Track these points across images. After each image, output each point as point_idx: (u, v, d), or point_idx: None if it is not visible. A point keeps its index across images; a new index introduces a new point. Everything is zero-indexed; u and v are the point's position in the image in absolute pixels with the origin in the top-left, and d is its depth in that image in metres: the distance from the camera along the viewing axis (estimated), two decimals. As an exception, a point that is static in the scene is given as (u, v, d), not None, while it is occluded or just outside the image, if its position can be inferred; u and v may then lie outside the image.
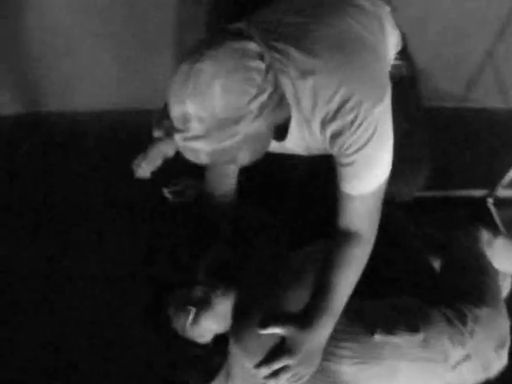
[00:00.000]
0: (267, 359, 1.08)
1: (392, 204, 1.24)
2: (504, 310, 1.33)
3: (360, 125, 1.04)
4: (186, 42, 1.96)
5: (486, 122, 2.34)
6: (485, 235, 1.55)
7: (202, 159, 0.98)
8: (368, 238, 1.17)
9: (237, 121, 0.94)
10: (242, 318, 1.20)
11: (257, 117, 0.96)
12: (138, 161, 1.44)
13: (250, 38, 0.98)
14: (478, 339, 1.22)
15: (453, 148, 2.13)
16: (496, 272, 1.42)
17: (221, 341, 1.23)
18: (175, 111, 0.94)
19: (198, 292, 1.22)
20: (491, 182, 1.99)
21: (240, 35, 0.98)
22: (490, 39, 2.13)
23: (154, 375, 1.38)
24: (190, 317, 1.19)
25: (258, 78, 0.94)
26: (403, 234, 1.52)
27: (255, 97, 0.94)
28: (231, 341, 1.17)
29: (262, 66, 0.96)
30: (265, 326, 1.07)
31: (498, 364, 1.28)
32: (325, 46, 1.04)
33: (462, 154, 2.14)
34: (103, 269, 1.69)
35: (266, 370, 1.07)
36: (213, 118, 0.92)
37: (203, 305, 1.20)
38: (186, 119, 0.93)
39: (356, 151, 1.07)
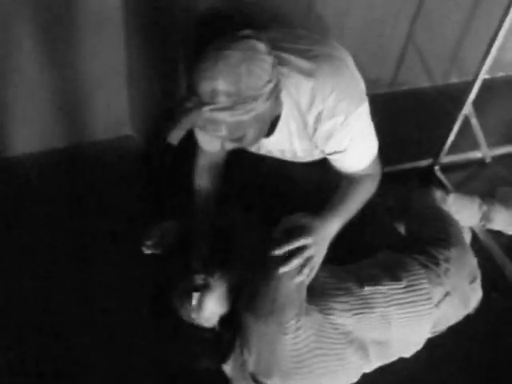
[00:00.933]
0: (285, 240, 1.23)
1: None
2: (469, 249, 1.47)
3: (347, 124, 1.28)
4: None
5: (417, 101, 2.51)
6: (438, 193, 1.68)
7: (221, 131, 1.15)
8: (374, 173, 1.42)
9: (255, 98, 1.13)
10: (246, 291, 1.28)
11: (267, 99, 1.16)
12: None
13: (259, 39, 1.17)
14: (452, 277, 1.34)
15: (395, 128, 2.28)
16: (455, 219, 1.55)
17: (226, 323, 1.30)
18: (205, 87, 1.10)
19: (198, 280, 1.29)
20: (434, 152, 2.15)
21: (248, 37, 1.17)
22: (408, 24, 2.28)
23: (169, 364, 1.43)
24: (194, 302, 1.26)
25: (269, 69, 1.15)
26: (373, 208, 1.65)
27: (268, 82, 1.14)
28: (244, 314, 1.25)
29: (271, 60, 1.16)
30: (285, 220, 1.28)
31: (475, 297, 1.41)
32: (320, 59, 1.27)
33: (403, 132, 2.30)
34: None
35: (286, 248, 1.21)
36: (238, 93, 1.10)
37: (204, 290, 1.27)
38: (215, 94, 1.10)
39: (345, 147, 1.31)
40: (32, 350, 1.51)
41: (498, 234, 1.92)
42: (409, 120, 2.38)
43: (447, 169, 2.19)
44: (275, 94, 1.19)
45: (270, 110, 1.20)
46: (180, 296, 1.29)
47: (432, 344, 1.42)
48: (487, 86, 2.17)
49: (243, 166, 1.64)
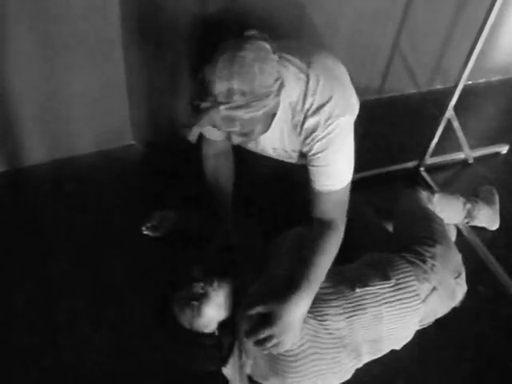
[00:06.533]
0: (252, 330, 1.20)
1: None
2: (454, 246, 1.46)
3: (330, 124, 1.25)
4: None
5: (403, 106, 2.52)
6: (423, 193, 1.67)
7: (235, 127, 1.16)
8: (339, 223, 1.33)
9: (267, 95, 1.14)
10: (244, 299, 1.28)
11: (276, 96, 1.17)
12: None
13: (264, 39, 1.18)
14: (438, 272, 1.34)
15: (382, 132, 2.30)
16: (440, 218, 1.54)
17: (225, 327, 1.28)
18: (221, 87, 1.10)
19: (197, 288, 1.27)
20: (420, 154, 2.15)
21: (257, 38, 1.18)
22: (394, 34, 2.29)
23: (171, 367, 1.42)
24: (195, 310, 1.24)
25: (276, 67, 1.17)
26: (361, 212, 1.65)
27: (276, 79, 1.17)
28: (241, 320, 1.25)
29: (276, 58, 1.18)
30: (250, 307, 1.22)
31: (460, 291, 1.40)
32: (315, 60, 1.28)
33: (390, 136, 2.30)
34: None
35: (253, 339, 1.19)
36: (252, 91, 1.11)
37: (203, 298, 1.25)
38: (231, 93, 1.10)
39: (324, 148, 1.27)
40: (35, 348, 1.50)
41: (481, 231, 1.92)
42: (395, 124, 2.39)
43: (432, 170, 2.19)
44: (281, 91, 1.20)
45: (276, 105, 1.21)
46: (179, 304, 1.26)
47: (421, 336, 1.41)
48: (469, 91, 2.19)
49: (243, 166, 1.64)
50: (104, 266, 1.70)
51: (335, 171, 1.31)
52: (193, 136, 1.14)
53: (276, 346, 1.20)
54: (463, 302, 1.44)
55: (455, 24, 2.39)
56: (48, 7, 1.63)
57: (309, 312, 1.25)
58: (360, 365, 1.35)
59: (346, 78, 1.35)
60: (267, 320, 1.20)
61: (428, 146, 2.12)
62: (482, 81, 2.74)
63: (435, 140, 2.10)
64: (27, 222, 1.83)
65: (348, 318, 1.27)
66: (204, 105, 1.12)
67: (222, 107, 1.11)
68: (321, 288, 1.28)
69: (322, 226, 1.32)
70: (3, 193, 1.92)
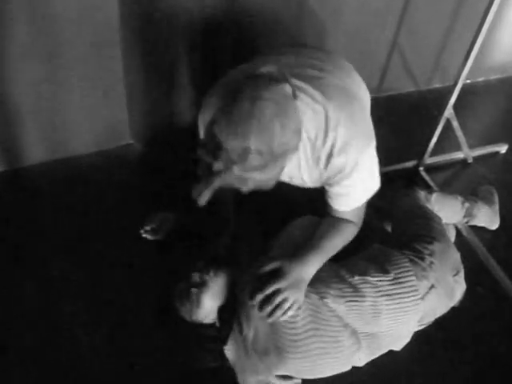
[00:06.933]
0: (261, 287, 1.20)
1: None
2: (452, 244, 1.46)
3: (358, 161, 1.18)
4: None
5: (402, 105, 2.51)
6: (422, 193, 1.67)
7: (248, 186, 1.04)
8: (357, 222, 1.35)
9: (285, 154, 1.02)
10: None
11: (294, 150, 1.06)
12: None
13: (284, 80, 1.06)
14: (437, 270, 1.33)
15: (381, 132, 2.28)
16: (439, 217, 1.54)
17: (225, 319, 1.30)
18: (235, 145, 0.96)
19: (195, 278, 1.29)
20: (419, 154, 2.14)
21: (276, 79, 1.05)
22: (393, 33, 2.29)
23: (172, 363, 1.42)
24: (194, 299, 1.26)
25: (297, 114, 1.04)
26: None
27: (297, 131, 1.05)
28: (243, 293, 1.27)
29: (297, 104, 1.06)
30: (262, 265, 1.24)
31: (459, 290, 1.40)
32: (332, 90, 1.18)
33: (389, 135, 2.28)
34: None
35: (260, 296, 1.20)
36: (270, 151, 0.98)
37: (201, 287, 1.28)
38: (246, 152, 0.96)
39: (351, 181, 1.21)
40: (35, 348, 1.49)
41: (480, 230, 1.92)
42: (394, 124, 2.37)
43: (431, 169, 2.18)
44: (300, 142, 1.09)
45: (293, 155, 1.10)
46: (179, 296, 1.29)
47: (421, 337, 1.41)
48: (468, 90, 2.18)
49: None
50: (104, 265, 1.70)
51: (359, 195, 1.28)
52: (203, 200, 1.04)
53: (281, 305, 1.20)
54: (462, 303, 1.44)
55: (454, 22, 2.38)
56: (46, 7, 1.63)
57: (309, 287, 1.27)
58: (360, 363, 1.35)
59: (365, 98, 1.29)
60: (275, 274, 1.22)
61: (427, 146, 2.12)
62: (481, 80, 2.73)
63: (434, 139, 2.09)
64: (26, 221, 1.82)
65: (347, 301, 1.28)
66: (216, 166, 0.98)
67: (235, 169, 0.98)
68: (322, 271, 1.30)
69: (339, 219, 1.33)
70: (2, 193, 1.91)
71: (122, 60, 1.87)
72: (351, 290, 1.28)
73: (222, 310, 1.28)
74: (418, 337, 1.40)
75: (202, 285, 1.28)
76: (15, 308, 1.57)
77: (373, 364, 1.38)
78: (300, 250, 1.29)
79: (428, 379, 1.52)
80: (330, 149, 1.16)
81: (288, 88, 1.05)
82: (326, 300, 1.26)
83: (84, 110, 1.95)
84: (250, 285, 1.25)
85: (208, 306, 1.28)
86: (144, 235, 1.66)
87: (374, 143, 1.25)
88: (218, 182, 1.00)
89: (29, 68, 1.74)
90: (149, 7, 1.75)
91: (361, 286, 1.29)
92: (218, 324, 1.28)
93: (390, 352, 1.38)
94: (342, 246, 1.33)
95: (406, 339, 1.39)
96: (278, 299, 1.20)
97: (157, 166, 2.06)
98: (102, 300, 1.61)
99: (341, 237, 1.33)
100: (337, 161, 1.17)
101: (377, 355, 1.37)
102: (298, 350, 1.23)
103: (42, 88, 1.81)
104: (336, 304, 1.27)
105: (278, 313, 1.20)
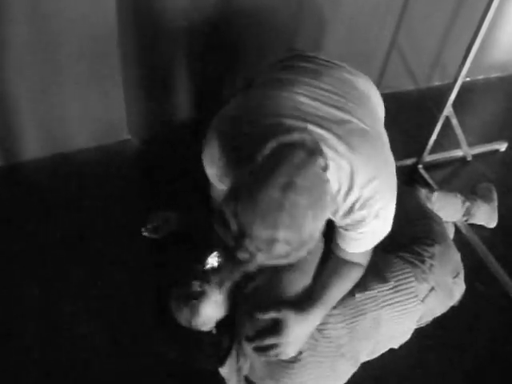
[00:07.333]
0: (257, 336, 1.16)
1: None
2: (453, 245, 1.45)
3: (378, 216, 1.07)
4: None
5: (402, 103, 2.48)
6: (423, 191, 1.66)
7: (269, 266, 0.95)
8: (363, 264, 1.25)
9: (312, 239, 0.92)
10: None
11: (321, 235, 1.00)
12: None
13: (318, 152, 0.95)
14: (437, 272, 1.32)
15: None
16: (439, 217, 1.53)
17: (224, 327, 1.28)
18: (263, 234, 0.86)
19: (195, 287, 1.26)
20: (418, 151, 2.14)
21: (309, 150, 0.93)
22: (392, 31, 2.27)
23: (169, 364, 1.41)
24: (193, 308, 1.24)
25: (329, 199, 0.94)
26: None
27: (327, 216, 0.96)
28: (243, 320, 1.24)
29: (329, 178, 0.95)
30: (262, 310, 1.17)
31: (458, 291, 1.39)
32: (356, 139, 1.05)
33: (388, 133, 2.27)
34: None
35: (256, 344, 1.16)
36: (299, 240, 0.89)
37: (202, 297, 1.25)
38: (273, 242, 0.87)
39: (367, 231, 1.12)
40: (35, 348, 1.49)
41: (479, 227, 1.92)
42: (393, 121, 2.33)
43: (430, 167, 2.17)
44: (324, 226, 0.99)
45: None
46: (177, 302, 1.26)
47: (420, 335, 1.41)
48: (468, 88, 2.18)
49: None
50: (103, 263, 1.69)
51: (372, 240, 1.18)
52: (227, 285, 1.02)
53: (277, 355, 1.17)
54: (461, 301, 1.43)
55: (454, 20, 2.37)
56: (45, 5, 1.62)
57: None
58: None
59: (386, 144, 1.17)
60: (275, 327, 1.16)
61: (426, 144, 2.11)
62: (480, 78, 2.72)
63: (433, 137, 2.09)
64: (23, 217, 1.81)
65: (348, 324, 1.25)
66: (241, 255, 0.89)
67: (259, 257, 0.89)
68: None
69: (345, 261, 1.23)
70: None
71: (120, 56, 1.86)
72: (352, 311, 1.25)
73: (220, 322, 1.27)
74: (417, 335, 1.40)
75: (201, 294, 1.25)
76: (14, 308, 1.57)
77: (371, 363, 1.37)
78: (305, 299, 1.20)
79: (427, 378, 1.52)
80: (351, 204, 1.06)
81: (321, 162, 0.94)
82: (324, 332, 1.23)
83: (82, 105, 1.94)
84: (248, 326, 1.21)
85: (206, 316, 1.25)
86: (145, 234, 1.65)
87: (395, 194, 1.13)
88: (240, 271, 0.96)
89: (26, 64, 1.73)
90: (147, 5, 1.73)
91: (361, 303, 1.26)
92: (214, 332, 1.27)
93: (389, 351, 1.38)
94: (348, 289, 1.25)
95: (405, 338, 1.38)
96: (273, 353, 1.16)
97: (154, 161, 2.06)
98: (102, 299, 1.60)
99: (350, 282, 1.24)
100: (357, 214, 1.07)
101: (376, 355, 1.36)
102: (294, 380, 1.22)
103: (39, 84, 1.80)
104: (335, 331, 1.24)
105: (272, 358, 1.18)
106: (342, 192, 1.04)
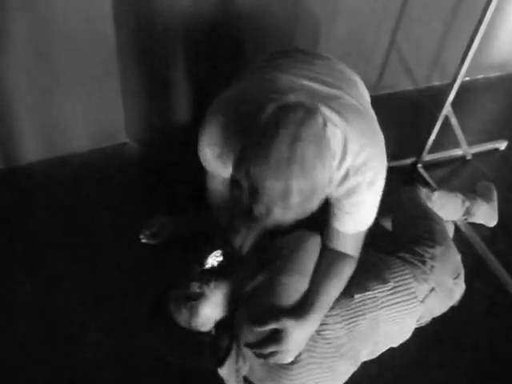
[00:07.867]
0: (257, 344, 1.17)
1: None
2: (453, 246, 1.43)
3: (372, 183, 1.14)
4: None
5: (401, 103, 2.50)
6: (423, 190, 1.65)
7: (286, 221, 0.99)
8: (355, 255, 1.29)
9: (324, 188, 0.99)
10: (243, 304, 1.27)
11: (331, 181, 1.05)
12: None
13: (317, 110, 1.00)
14: (437, 273, 1.32)
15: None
16: (440, 217, 1.52)
17: (223, 327, 1.28)
18: (276, 186, 0.92)
19: (194, 288, 1.26)
20: (417, 151, 2.14)
21: (308, 110, 0.99)
22: (391, 31, 2.28)
23: (171, 369, 1.41)
24: (192, 309, 1.23)
25: (331, 147, 1.01)
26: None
27: (331, 166, 1.03)
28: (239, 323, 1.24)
29: (328, 134, 1.00)
30: (261, 322, 1.16)
31: (458, 291, 1.38)
32: (350, 112, 1.14)
33: (388, 132, 2.27)
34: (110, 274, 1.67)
35: (255, 350, 1.17)
36: (310, 189, 0.95)
37: (200, 298, 1.25)
38: (287, 193, 0.93)
39: (360, 199, 1.17)
40: (33, 348, 1.48)
41: (479, 226, 1.91)
42: (393, 121, 2.34)
43: (430, 166, 2.17)
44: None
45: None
46: (176, 302, 1.26)
47: (419, 334, 1.40)
48: (467, 87, 2.17)
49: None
50: (102, 265, 1.69)
51: (364, 216, 1.23)
52: (246, 248, 1.02)
53: (277, 360, 1.18)
54: (461, 300, 1.43)
55: (453, 20, 2.37)
56: (43, 5, 1.62)
57: None
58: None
59: (376, 121, 1.25)
60: (275, 336, 1.16)
61: (426, 143, 2.11)
62: (479, 77, 2.72)
63: (433, 137, 2.08)
64: (22, 220, 1.81)
65: (347, 324, 1.25)
66: (257, 211, 0.94)
67: (276, 210, 0.94)
68: None
69: (338, 256, 1.27)
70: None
71: (118, 58, 1.86)
72: (350, 312, 1.25)
73: (219, 324, 1.27)
74: (416, 335, 1.39)
75: (200, 295, 1.25)
76: (14, 307, 1.57)
77: (370, 363, 1.37)
78: (302, 305, 1.20)
79: (427, 377, 1.51)
80: (345, 171, 1.12)
81: (320, 119, 0.99)
82: (323, 332, 1.23)
83: (80, 108, 1.94)
84: (248, 334, 1.21)
85: (205, 317, 1.25)
86: (143, 240, 1.65)
87: (386, 164, 1.19)
88: (259, 226, 0.99)
89: (24, 68, 1.73)
90: (145, 7, 1.73)
91: (360, 303, 1.26)
92: (213, 332, 1.26)
93: (388, 350, 1.37)
94: (343, 287, 1.26)
95: (404, 337, 1.37)
96: (273, 361, 1.17)
97: (152, 164, 2.05)
98: (101, 300, 1.60)
99: (344, 278, 1.27)
100: (352, 180, 1.13)
101: (375, 355, 1.35)
102: (294, 382, 1.21)
103: (37, 88, 1.81)
104: (334, 331, 1.23)
105: (272, 362, 1.19)
106: (336, 160, 1.10)
